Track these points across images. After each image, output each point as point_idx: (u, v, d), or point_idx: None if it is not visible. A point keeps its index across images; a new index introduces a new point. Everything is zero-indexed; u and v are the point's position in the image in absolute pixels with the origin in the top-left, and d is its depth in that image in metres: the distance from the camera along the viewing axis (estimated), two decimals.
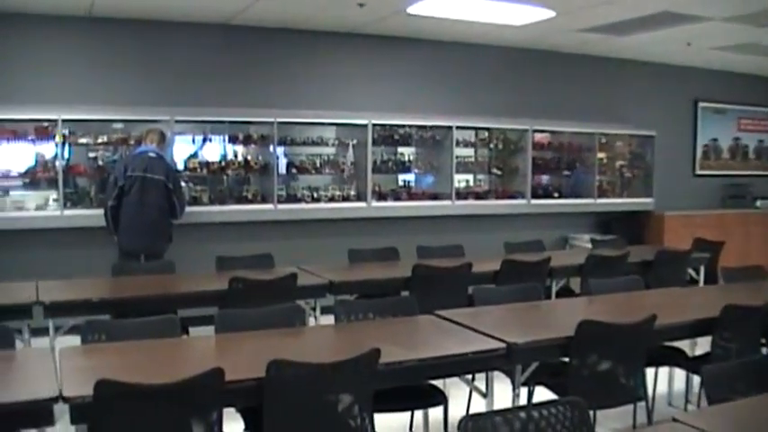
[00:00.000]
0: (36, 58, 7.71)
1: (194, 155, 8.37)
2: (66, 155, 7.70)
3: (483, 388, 4.08)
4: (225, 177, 8.47)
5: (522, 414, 2.71)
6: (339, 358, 3.36)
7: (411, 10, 7.61)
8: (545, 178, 10.28)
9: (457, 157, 9.33)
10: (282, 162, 8.56)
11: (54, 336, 4.88)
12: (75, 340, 4.19)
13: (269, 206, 8.24)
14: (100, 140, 7.81)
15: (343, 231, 8.48)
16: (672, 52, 9.96)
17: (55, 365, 3.42)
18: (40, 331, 4.86)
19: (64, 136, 7.56)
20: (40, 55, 7.72)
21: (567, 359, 4.12)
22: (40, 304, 4.88)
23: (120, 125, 8.03)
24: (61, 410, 3.03)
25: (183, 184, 7.66)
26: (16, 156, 7.78)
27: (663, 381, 5.66)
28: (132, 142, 7.79)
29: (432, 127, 9.32)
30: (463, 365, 3.91)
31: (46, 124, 7.58)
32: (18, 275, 5.66)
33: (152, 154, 7.06)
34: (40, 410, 2.99)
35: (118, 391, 2.93)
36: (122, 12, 7.66)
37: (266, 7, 7.47)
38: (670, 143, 10.87)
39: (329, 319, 5.45)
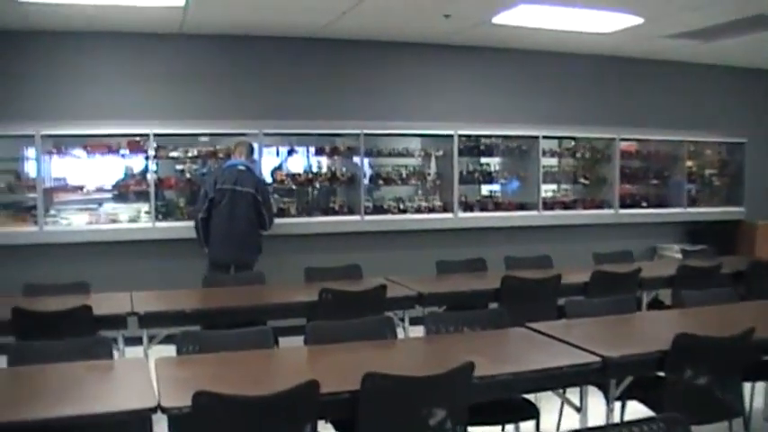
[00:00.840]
0: (128, 74, 7.92)
1: (280, 167, 8.46)
2: (154, 168, 7.87)
3: (575, 401, 4.00)
4: (311, 189, 8.53)
5: (625, 430, 2.63)
6: (431, 371, 3.33)
7: (496, 20, 7.55)
8: (632, 187, 10.08)
9: (543, 166, 9.23)
10: (368, 173, 8.57)
11: (148, 345, 4.97)
12: (167, 350, 4.27)
13: (356, 217, 8.27)
14: (190, 154, 7.94)
15: (430, 242, 8.45)
16: (760, 56, 9.68)
17: (151, 376, 3.48)
18: (133, 340, 4.96)
19: (155, 150, 7.71)
20: (132, 71, 7.93)
21: (661, 373, 4.01)
22: (135, 315, 4.99)
23: (205, 138, 8.17)
24: (157, 419, 3.08)
25: (271, 196, 7.71)
26: (109, 169, 8.00)
27: (759, 395, 5.48)
28: (221, 155, 7.91)
29: (517, 137, 9.24)
30: (557, 379, 3.84)
31: (138, 138, 7.76)
32: (112, 286, 5.77)
33: (241, 167, 7.15)
34: (139, 420, 3.04)
35: (215, 402, 2.96)
36: (212, 28, 7.80)
37: (353, 20, 7.50)
38: (761, 150, 10.54)
39: (418, 331, 5.44)
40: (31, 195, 7.68)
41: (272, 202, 7.55)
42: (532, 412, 4.14)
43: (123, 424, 3.07)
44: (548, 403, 4.73)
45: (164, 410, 3.04)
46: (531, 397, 4.32)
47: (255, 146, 7.69)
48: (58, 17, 7.17)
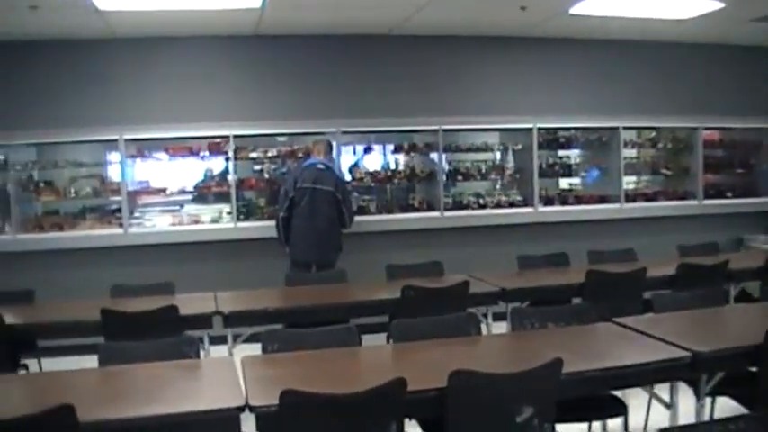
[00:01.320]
0: (207, 77, 8.03)
1: (356, 165, 8.48)
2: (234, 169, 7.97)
3: (664, 397, 3.90)
4: (389, 187, 8.51)
5: (719, 428, 2.55)
6: (518, 368, 3.28)
7: (574, 10, 7.44)
8: (716, 177, 9.80)
9: (623, 158, 9.05)
10: (445, 169, 8.52)
11: (232, 344, 5.02)
12: (251, 348, 4.30)
13: (435, 214, 8.23)
14: (269, 154, 8.00)
15: (510, 237, 8.36)
16: None
17: (238, 374, 3.50)
18: (217, 339, 5.01)
19: (234, 151, 7.79)
20: (210, 74, 8.03)
21: (754, 368, 3.89)
22: (220, 314, 5.05)
23: (283, 138, 8.22)
24: (244, 418, 3.10)
25: (351, 194, 7.72)
26: (190, 171, 8.13)
27: None
28: (300, 155, 7.96)
29: (597, 128, 9.07)
30: (646, 375, 3.73)
31: (218, 140, 7.85)
32: (195, 287, 5.86)
33: (321, 166, 7.16)
34: (227, 419, 3.06)
35: (302, 400, 2.95)
36: (288, 28, 7.83)
37: (427, 16, 7.46)
38: None
39: (501, 327, 5.39)
40: (116, 198, 7.86)
41: (351, 201, 7.54)
42: (620, 409, 4.05)
43: (212, 422, 3.10)
44: (635, 399, 4.62)
45: (251, 409, 3.05)
46: (618, 393, 4.23)
47: (333, 144, 7.72)
48: (137, 24, 7.31)
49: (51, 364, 5.62)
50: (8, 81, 7.75)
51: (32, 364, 5.54)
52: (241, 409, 3.06)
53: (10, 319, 4.96)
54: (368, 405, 3.07)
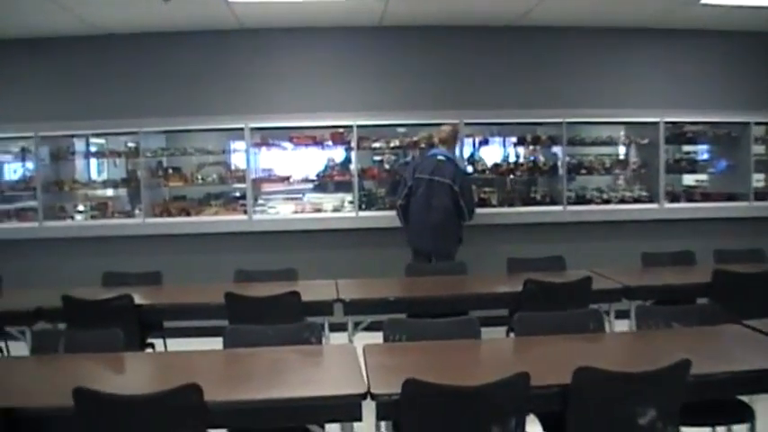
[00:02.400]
0: (331, 68, 8.11)
1: (473, 156, 8.39)
2: (354, 159, 8.03)
3: None
4: (508, 179, 8.40)
5: None
6: (643, 368, 3.18)
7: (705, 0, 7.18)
8: None
9: (754, 154, 8.67)
10: (567, 162, 8.35)
11: (352, 332, 5.05)
12: (369, 336, 4.32)
13: (558, 208, 8.08)
14: (392, 145, 8.02)
15: (634, 234, 8.13)
16: None
17: (359, 362, 3.52)
18: (336, 326, 5.06)
19: (357, 141, 7.85)
20: (334, 65, 8.12)
21: None
22: (341, 302, 5.09)
23: (403, 129, 8.22)
24: (364, 405, 3.11)
25: (473, 186, 7.62)
26: (312, 160, 8.23)
27: None
28: (422, 145, 7.96)
29: (726, 123, 8.71)
30: None
31: (341, 130, 7.92)
32: (316, 274, 5.94)
33: (441, 157, 7.10)
34: (349, 406, 3.07)
35: (424, 390, 2.94)
36: (411, 19, 7.81)
37: (551, 6, 7.32)
38: None
39: (623, 325, 5.27)
40: (240, 186, 8.04)
41: (472, 194, 7.38)
42: (747, 415, 3.87)
43: (333, 408, 3.12)
44: (764, 405, 4.44)
45: (373, 397, 3.06)
46: (745, 398, 4.06)
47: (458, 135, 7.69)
48: (264, 15, 7.44)
49: (175, 344, 5.78)
50: (141, 70, 8.05)
51: (158, 343, 5.72)
52: (363, 396, 3.07)
53: (139, 299, 5.13)
54: (490, 398, 3.03)
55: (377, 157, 8.29)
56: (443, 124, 7.44)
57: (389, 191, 8.03)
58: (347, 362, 3.54)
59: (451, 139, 7.27)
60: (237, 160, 8.37)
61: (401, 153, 8.27)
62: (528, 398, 3.11)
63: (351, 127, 7.84)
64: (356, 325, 5.08)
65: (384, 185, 8.19)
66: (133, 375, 3.84)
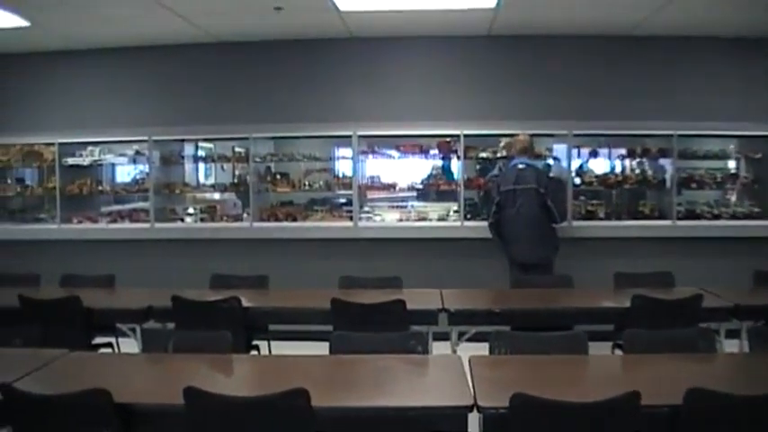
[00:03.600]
0: (437, 76, 8.10)
1: (582, 167, 8.26)
2: (455, 168, 8.00)
3: None
4: (617, 192, 8.22)
5: None
6: (759, 392, 3.05)
7: None
8: None
9: None
10: (673, 176, 8.10)
11: (456, 342, 5.02)
12: (473, 347, 4.31)
13: (666, 222, 7.86)
14: (499, 155, 7.95)
15: (745, 251, 7.80)
16: None
17: (465, 373, 3.49)
18: (438, 335, 5.02)
19: (464, 150, 7.81)
20: (441, 74, 8.10)
21: None
22: (445, 311, 5.08)
23: (508, 139, 8.12)
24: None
25: (566, 189, 7.52)
26: (418, 169, 8.24)
27: None
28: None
29: None
30: None
31: (448, 139, 7.90)
32: (420, 282, 5.93)
33: (521, 165, 7.03)
34: (455, 417, 3.05)
35: (532, 405, 2.90)
36: (521, 28, 7.73)
37: (665, 16, 7.14)
38: None
39: (732, 345, 5.10)
40: (345, 192, 8.11)
41: (562, 195, 7.29)
42: None
43: (439, 419, 3.11)
44: None
45: (479, 410, 3.03)
46: None
47: (562, 147, 7.65)
48: (373, 24, 7.49)
49: (279, 347, 5.86)
50: (252, 77, 8.22)
51: (262, 346, 5.79)
52: (469, 408, 3.04)
53: (246, 302, 5.22)
54: (599, 416, 2.97)
55: (479, 167, 8.24)
56: (550, 135, 7.34)
57: (482, 203, 7.97)
58: (453, 373, 3.52)
59: (530, 148, 7.21)
60: (342, 167, 8.45)
61: (487, 164, 8.18)
62: (637, 418, 3.03)
63: (458, 136, 7.80)
64: (460, 335, 5.05)
65: (484, 195, 8.11)
66: (241, 377, 3.91)
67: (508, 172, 7.16)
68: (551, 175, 7.33)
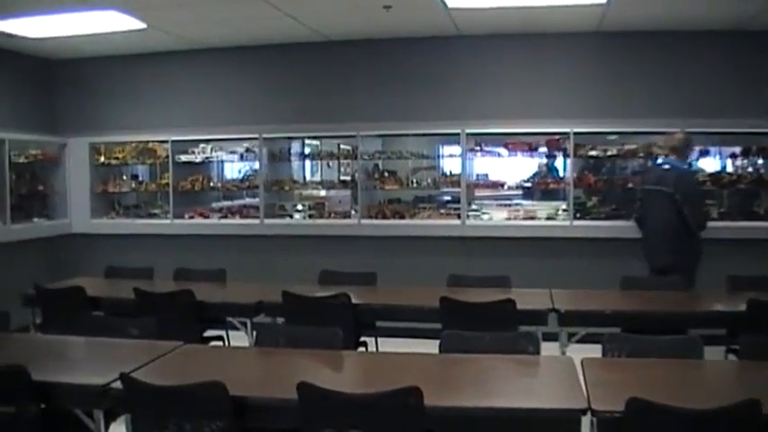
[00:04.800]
0: (545, 74, 7.99)
1: (691, 166, 8.00)
2: (560, 167, 7.89)
3: None
4: (725, 191, 7.93)
5: None
6: None
7: None
8: None
9: None
10: None
11: (565, 343, 4.95)
12: (583, 349, 4.26)
13: None
14: (609, 153, 7.81)
15: None
16: None
17: (577, 375, 3.44)
18: (547, 336, 4.95)
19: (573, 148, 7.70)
20: (548, 71, 7.99)
21: None
22: (555, 312, 5.02)
23: (614, 137, 7.97)
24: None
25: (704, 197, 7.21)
26: (526, 167, 8.17)
27: None
28: (640, 154, 7.75)
29: None
30: None
31: (557, 137, 7.80)
32: (528, 282, 5.86)
33: (666, 166, 6.79)
34: (568, 420, 3.01)
35: (648, 410, 2.83)
36: (630, 24, 7.55)
37: None
38: None
39: None
40: (451, 190, 8.12)
41: (698, 205, 6.87)
42: None
43: (551, 422, 3.07)
44: None
45: (593, 413, 2.97)
46: None
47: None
48: (481, 21, 7.44)
49: (386, 344, 5.89)
50: (360, 76, 8.31)
51: (370, 342, 5.83)
52: (583, 411, 2.99)
53: (355, 299, 5.26)
54: (717, 424, 2.87)
55: (587, 165, 8.10)
56: (661, 133, 7.16)
57: (601, 200, 7.83)
58: (565, 375, 3.47)
59: (683, 148, 6.87)
60: (448, 165, 8.44)
61: (610, 163, 8.02)
62: (759, 427, 2.92)
63: (567, 134, 7.69)
64: (569, 336, 4.98)
65: (597, 194, 7.97)
66: (351, 373, 3.94)
67: (653, 171, 7.00)
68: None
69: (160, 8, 6.76)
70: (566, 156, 7.87)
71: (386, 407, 2.99)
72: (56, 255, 8.83)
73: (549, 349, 4.75)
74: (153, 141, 8.85)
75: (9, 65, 8.51)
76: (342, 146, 8.73)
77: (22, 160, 8.50)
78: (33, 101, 8.91)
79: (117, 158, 9.01)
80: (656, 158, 7.14)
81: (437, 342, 4.11)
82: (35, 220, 8.71)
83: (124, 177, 9.23)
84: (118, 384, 3.33)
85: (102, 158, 9.04)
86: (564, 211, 7.79)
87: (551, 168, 8.26)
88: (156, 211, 8.91)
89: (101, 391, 3.37)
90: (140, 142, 8.90)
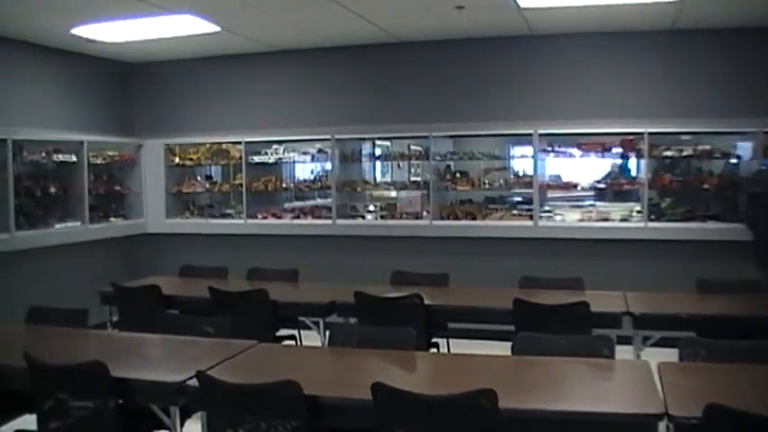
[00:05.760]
0: (618, 73, 7.86)
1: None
2: (633, 167, 7.78)
3: None
4: None
5: None
6: None
7: None
8: None
9: None
10: None
11: (641, 347, 4.88)
12: (658, 353, 4.20)
13: None
14: (684, 153, 7.65)
15: None
16: None
17: (653, 380, 3.38)
18: (621, 339, 4.88)
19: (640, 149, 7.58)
20: (621, 70, 7.86)
21: None
22: (630, 315, 4.94)
23: (688, 137, 7.79)
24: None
25: None
26: (599, 168, 8.06)
27: None
28: (717, 155, 7.59)
29: None
30: None
31: (631, 137, 7.68)
32: (602, 284, 5.79)
33: (763, 167, 6.69)
34: (644, 425, 2.96)
35: (727, 417, 2.77)
36: (707, 21, 7.39)
37: None
38: None
39: None
40: (522, 191, 8.07)
41: None
42: None
43: (626, 427, 3.02)
44: None
45: (671, 419, 2.92)
46: None
47: (747, 145, 7.27)
48: (553, 20, 7.39)
49: (457, 345, 5.88)
50: (431, 77, 8.32)
51: (442, 344, 5.82)
52: (660, 417, 2.94)
53: (428, 300, 5.26)
54: None
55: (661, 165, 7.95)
56: (740, 133, 6.99)
57: (675, 201, 7.68)
58: (641, 379, 3.41)
59: None
60: (519, 165, 8.39)
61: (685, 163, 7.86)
62: None
63: (641, 134, 7.56)
64: (644, 340, 4.90)
65: (673, 195, 7.83)
66: (424, 375, 3.94)
67: (761, 173, 6.88)
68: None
69: (233, 12, 6.85)
70: (639, 156, 7.73)
71: (460, 408, 2.98)
72: (132, 254, 9.04)
73: (623, 353, 4.69)
74: (226, 142, 8.98)
75: (89, 69, 8.74)
76: (412, 146, 8.73)
77: (99, 161, 8.70)
78: (111, 103, 9.14)
79: (191, 159, 9.17)
80: (763, 161, 6.96)
81: (508, 344, 4.09)
82: (112, 219, 8.91)
83: (198, 178, 9.39)
84: (194, 382, 3.38)
85: (177, 159, 9.21)
86: (638, 212, 7.67)
87: (624, 169, 8.14)
88: (230, 211, 9.03)
89: (177, 388, 3.43)
90: (214, 143, 9.04)
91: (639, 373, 3.51)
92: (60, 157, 8.11)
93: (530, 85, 8.03)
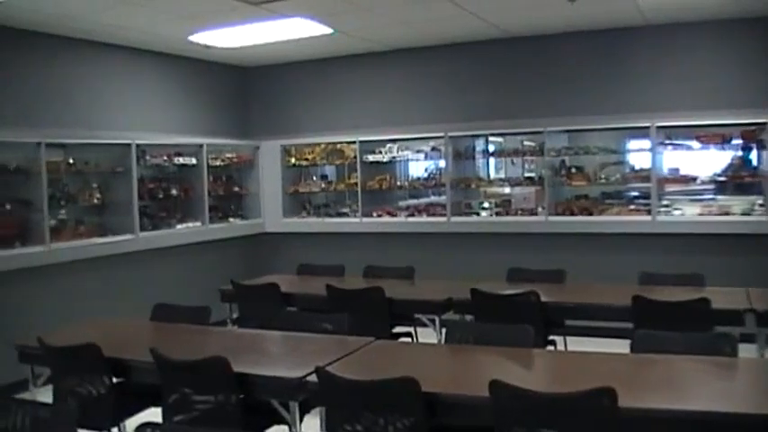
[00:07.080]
0: (736, 62, 7.59)
1: None
2: (755, 159, 7.57)
3: None
4: None
5: None
6: None
7: None
8: None
9: None
10: None
11: (764, 345, 4.75)
12: None
13: None
14: None
15: None
16: None
17: None
18: (743, 337, 4.76)
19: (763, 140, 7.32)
20: (739, 58, 7.59)
21: None
22: (753, 312, 4.80)
23: None
24: None
25: None
26: (717, 159, 7.83)
27: None
28: None
29: None
30: None
31: (753, 128, 7.43)
32: (723, 280, 5.61)
33: None
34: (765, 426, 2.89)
35: None
36: None
37: None
38: None
39: None
40: (640, 185, 7.91)
41: None
42: None
43: (749, 428, 2.95)
44: None
45: None
46: None
47: None
48: (669, 10, 7.22)
49: (575, 342, 5.83)
50: (545, 71, 8.28)
51: (558, 341, 5.78)
52: None
53: (543, 296, 5.23)
54: None
55: None
56: None
57: None
58: (765, 378, 3.33)
59: None
60: (635, 159, 8.24)
61: None
62: None
63: (763, 124, 7.30)
64: None
65: None
66: (542, 372, 3.93)
67: None
68: None
69: (345, 13, 6.95)
70: (761, 148, 7.46)
71: (579, 407, 2.97)
72: (250, 253, 9.29)
73: (746, 351, 4.57)
74: (341, 142, 9.11)
75: (206, 74, 9.02)
76: (525, 142, 8.67)
77: (218, 163, 8.96)
78: (228, 106, 9.41)
79: (307, 159, 9.35)
80: None
81: (626, 341, 4.05)
82: (231, 220, 9.17)
83: (314, 178, 9.57)
84: (313, 378, 3.47)
85: (293, 160, 9.41)
86: (760, 206, 7.40)
87: (746, 161, 7.87)
88: (345, 210, 9.16)
89: (297, 384, 3.54)
90: (329, 143, 9.19)
91: (764, 373, 3.43)
92: (181, 160, 8.42)
93: (645, 76, 7.85)
